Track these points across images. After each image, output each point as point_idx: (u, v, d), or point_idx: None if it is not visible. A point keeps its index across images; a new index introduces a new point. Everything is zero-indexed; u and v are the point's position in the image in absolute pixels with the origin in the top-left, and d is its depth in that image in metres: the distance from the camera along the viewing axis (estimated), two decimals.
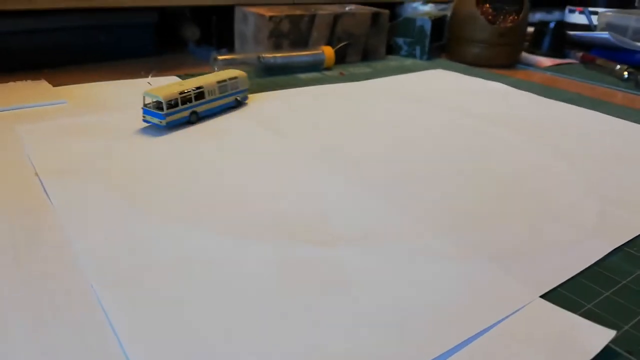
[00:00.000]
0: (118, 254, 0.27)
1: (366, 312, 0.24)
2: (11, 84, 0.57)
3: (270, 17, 0.69)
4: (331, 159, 0.41)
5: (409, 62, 0.79)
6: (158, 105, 0.45)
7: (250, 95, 0.56)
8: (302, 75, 0.69)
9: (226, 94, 0.52)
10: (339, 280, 0.26)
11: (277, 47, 0.71)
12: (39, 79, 0.60)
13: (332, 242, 0.29)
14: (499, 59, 0.79)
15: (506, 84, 0.69)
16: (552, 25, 0.86)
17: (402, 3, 0.97)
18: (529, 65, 0.82)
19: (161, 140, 0.44)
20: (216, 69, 0.63)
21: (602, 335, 0.23)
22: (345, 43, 0.76)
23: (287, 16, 0.70)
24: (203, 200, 0.33)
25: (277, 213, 0.32)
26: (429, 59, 0.82)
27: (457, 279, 0.26)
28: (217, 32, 0.85)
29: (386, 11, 0.79)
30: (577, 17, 1.16)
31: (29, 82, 0.59)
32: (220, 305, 0.24)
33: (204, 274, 0.26)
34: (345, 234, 0.30)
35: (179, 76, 0.65)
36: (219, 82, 0.51)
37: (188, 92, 0.48)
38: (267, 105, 0.55)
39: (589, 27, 1.11)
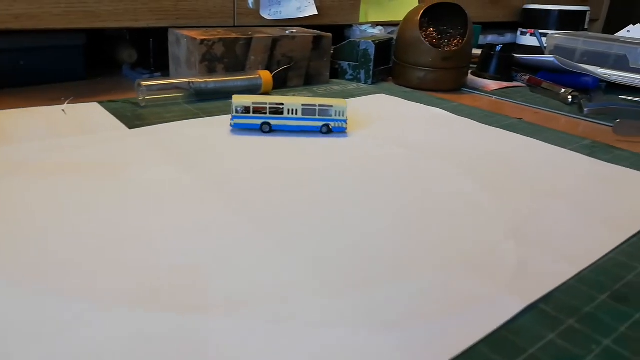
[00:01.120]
0: None
1: None
2: None
3: (202, 41, 0.65)
4: (232, 200, 0.37)
5: (352, 86, 0.77)
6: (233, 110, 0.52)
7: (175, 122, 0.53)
8: None
9: (312, 117, 0.53)
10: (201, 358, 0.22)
11: (211, 72, 0.67)
12: None
13: (203, 307, 0.25)
14: (444, 83, 0.77)
15: (448, 109, 0.66)
16: (498, 48, 0.84)
17: (351, 26, 0.95)
18: (475, 89, 0.80)
19: (57, 176, 0.39)
20: (140, 95, 0.59)
21: None
22: (284, 67, 0.73)
23: (221, 39, 0.67)
24: (58, 253, 0.29)
25: (143, 268, 0.28)
26: (373, 83, 0.79)
27: (340, 354, 0.23)
28: (154, 56, 0.81)
29: (329, 34, 0.76)
30: (528, 39, 1.16)
31: None
32: None
33: (26, 352, 0.22)
34: (220, 297, 0.26)
35: (101, 102, 0.61)
36: (304, 104, 0.52)
37: (262, 104, 0.52)
38: (179, 134, 0.51)
39: (540, 50, 1.11)
